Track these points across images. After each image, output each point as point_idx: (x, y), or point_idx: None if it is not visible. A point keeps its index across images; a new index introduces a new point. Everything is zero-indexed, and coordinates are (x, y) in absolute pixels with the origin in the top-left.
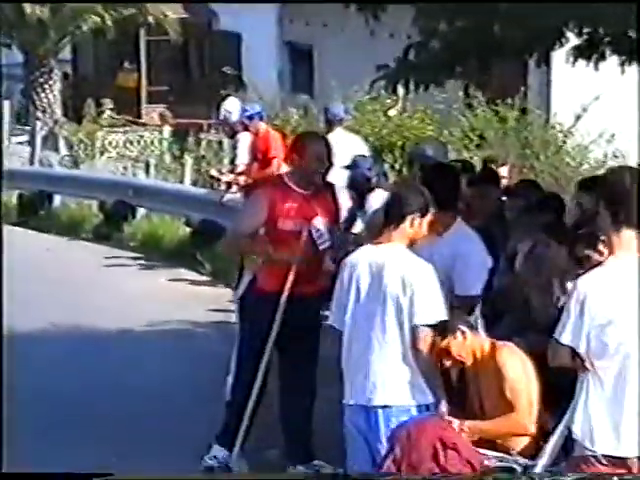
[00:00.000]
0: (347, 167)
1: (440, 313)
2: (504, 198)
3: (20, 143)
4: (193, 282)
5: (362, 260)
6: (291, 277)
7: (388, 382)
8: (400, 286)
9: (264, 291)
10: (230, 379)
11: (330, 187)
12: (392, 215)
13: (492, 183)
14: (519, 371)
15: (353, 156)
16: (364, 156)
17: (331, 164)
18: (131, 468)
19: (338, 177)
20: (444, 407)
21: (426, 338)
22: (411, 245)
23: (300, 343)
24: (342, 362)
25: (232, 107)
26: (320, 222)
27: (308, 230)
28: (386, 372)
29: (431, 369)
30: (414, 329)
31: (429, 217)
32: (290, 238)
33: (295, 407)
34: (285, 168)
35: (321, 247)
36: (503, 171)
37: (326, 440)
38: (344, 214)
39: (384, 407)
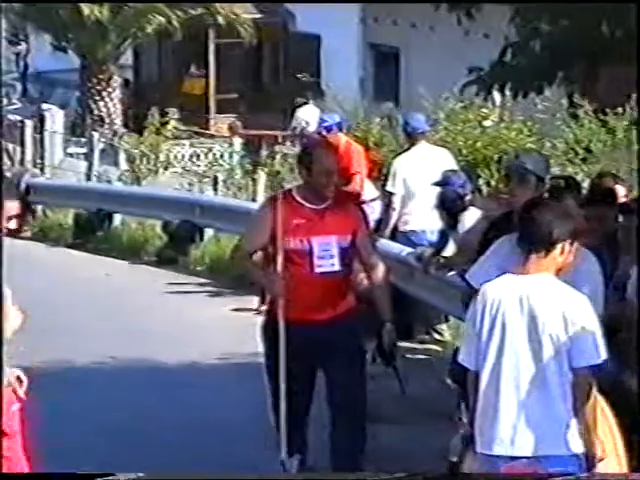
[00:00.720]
0: (437, 184)
1: (603, 353)
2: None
3: (76, 156)
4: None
5: (508, 293)
6: (280, 302)
7: (543, 429)
8: (561, 323)
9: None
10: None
11: (353, 199)
12: (541, 242)
13: (609, 203)
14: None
15: (443, 172)
16: (456, 171)
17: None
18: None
19: (428, 194)
20: (600, 455)
21: (591, 381)
22: (557, 275)
23: (340, 367)
24: (478, 408)
25: (309, 116)
26: (332, 239)
27: (301, 250)
28: (541, 418)
29: (590, 415)
30: (577, 371)
31: (576, 244)
32: (297, 257)
33: (342, 429)
34: (369, 185)
35: (319, 269)
36: (620, 190)
37: None
38: (435, 237)
39: (537, 457)
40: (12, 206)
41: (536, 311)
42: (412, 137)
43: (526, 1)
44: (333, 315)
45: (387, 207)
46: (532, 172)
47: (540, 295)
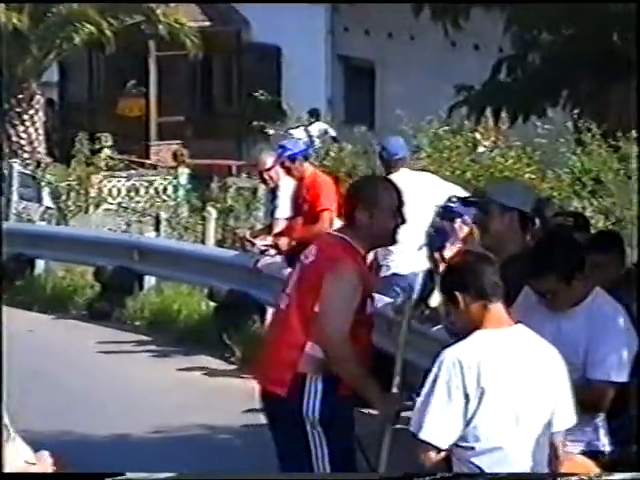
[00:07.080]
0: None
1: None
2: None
3: None
4: (217, 372)
5: (486, 355)
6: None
7: None
8: (561, 376)
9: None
10: None
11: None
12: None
13: (615, 249)
14: None
15: (433, 205)
16: (448, 203)
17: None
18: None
19: (412, 229)
20: None
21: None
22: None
23: None
24: None
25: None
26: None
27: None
28: None
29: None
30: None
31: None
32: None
33: None
34: (339, 223)
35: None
36: None
37: None
38: (420, 279)
39: None
40: None
41: (523, 369)
42: (389, 164)
43: (524, 1)
44: None
45: None
46: (493, 201)
47: (531, 349)
